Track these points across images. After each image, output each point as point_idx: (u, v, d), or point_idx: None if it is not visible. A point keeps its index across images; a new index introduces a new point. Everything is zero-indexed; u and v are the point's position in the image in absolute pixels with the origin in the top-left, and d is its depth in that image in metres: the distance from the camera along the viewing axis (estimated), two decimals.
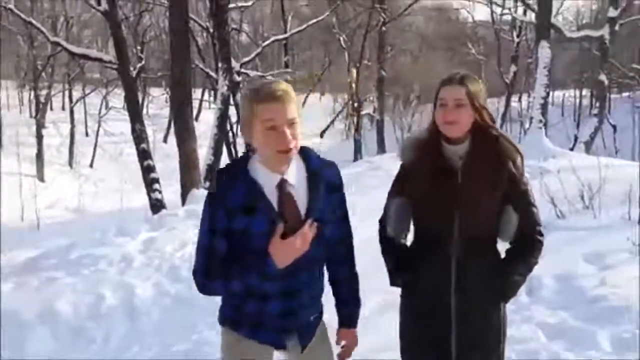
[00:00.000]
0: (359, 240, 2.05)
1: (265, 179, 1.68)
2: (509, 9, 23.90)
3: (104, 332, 4.02)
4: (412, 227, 2.01)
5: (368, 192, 9.04)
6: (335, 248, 1.86)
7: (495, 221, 1.89)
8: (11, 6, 14.53)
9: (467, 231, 1.85)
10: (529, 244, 1.91)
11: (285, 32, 21.43)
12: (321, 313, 1.90)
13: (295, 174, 1.71)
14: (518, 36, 24.34)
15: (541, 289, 3.76)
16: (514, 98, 26.67)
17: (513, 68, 24.13)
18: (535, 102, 12.44)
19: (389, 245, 2.02)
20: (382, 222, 2.06)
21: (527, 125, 27.58)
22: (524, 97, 27.12)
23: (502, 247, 1.98)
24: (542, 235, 1.92)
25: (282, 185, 1.69)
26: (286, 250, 1.64)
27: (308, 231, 1.66)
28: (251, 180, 1.67)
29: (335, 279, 1.92)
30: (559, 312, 3.48)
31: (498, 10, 25.25)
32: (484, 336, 1.92)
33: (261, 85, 1.65)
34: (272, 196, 1.67)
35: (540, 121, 11.89)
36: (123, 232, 6.18)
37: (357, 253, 1.94)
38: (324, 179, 1.74)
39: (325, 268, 1.88)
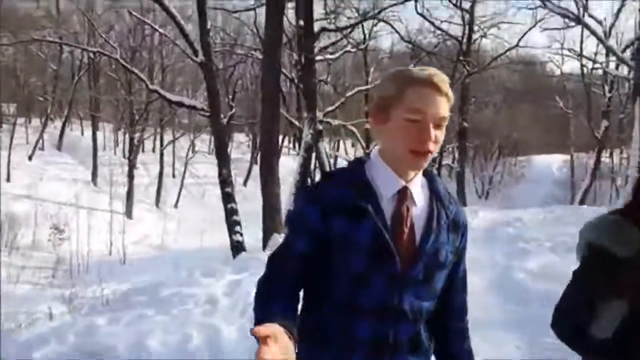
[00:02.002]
0: None
1: (384, 181, 1.34)
2: (601, 63, 23.12)
3: None
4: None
5: None
6: (454, 319, 1.50)
7: None
8: (117, 56, 15.86)
9: None
10: None
11: (367, 82, 21.83)
12: None
13: (419, 191, 1.37)
14: (610, 91, 23.44)
15: None
16: (605, 153, 25.48)
17: (604, 123, 23.13)
18: (631, 160, 11.82)
19: (602, 347, 1.65)
20: (576, 323, 1.65)
21: (619, 182, 26.23)
22: (616, 152, 25.84)
23: None
24: None
25: (402, 195, 1.33)
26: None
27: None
28: (365, 179, 1.34)
29: (451, 354, 1.52)
30: None
31: (589, 64, 24.50)
32: None
33: (414, 68, 1.34)
34: (387, 205, 1.32)
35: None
36: (208, 273, 6.36)
37: None
38: (450, 213, 1.39)
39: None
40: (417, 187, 1.36)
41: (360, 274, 1.30)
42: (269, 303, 1.32)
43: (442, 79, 1.29)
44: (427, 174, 1.42)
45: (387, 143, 1.34)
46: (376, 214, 1.30)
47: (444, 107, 1.30)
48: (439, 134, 1.30)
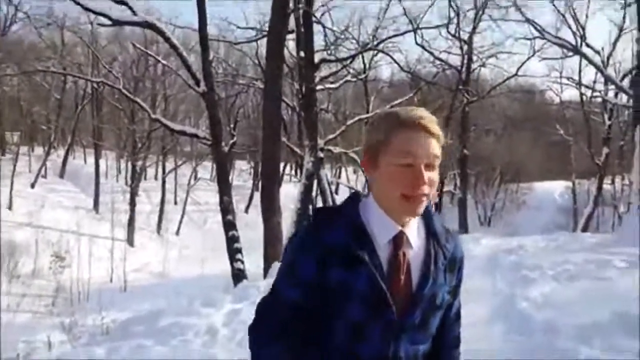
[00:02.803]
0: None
1: (379, 226, 1.28)
2: (600, 91, 23.29)
3: None
4: None
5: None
6: (446, 350, 1.44)
7: None
8: (120, 86, 16.05)
9: None
10: None
11: (368, 111, 22.00)
12: None
13: (415, 233, 1.31)
14: (610, 118, 23.60)
15: None
16: (606, 180, 25.47)
17: (605, 150, 23.25)
18: (634, 188, 11.81)
19: None
20: None
21: (621, 209, 26.14)
22: (617, 179, 25.84)
23: None
24: None
25: (398, 240, 1.28)
26: None
27: None
28: (360, 223, 1.28)
29: None
30: None
31: (588, 92, 24.69)
32: None
33: (401, 109, 1.29)
34: (383, 251, 1.27)
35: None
36: (208, 302, 6.31)
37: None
38: (447, 252, 1.34)
39: None
40: (413, 230, 1.31)
41: (357, 322, 1.26)
42: (260, 351, 1.32)
43: (431, 120, 1.25)
44: (423, 211, 1.35)
45: (380, 189, 1.29)
46: (372, 261, 1.24)
47: (434, 147, 1.25)
48: (432, 176, 1.24)
